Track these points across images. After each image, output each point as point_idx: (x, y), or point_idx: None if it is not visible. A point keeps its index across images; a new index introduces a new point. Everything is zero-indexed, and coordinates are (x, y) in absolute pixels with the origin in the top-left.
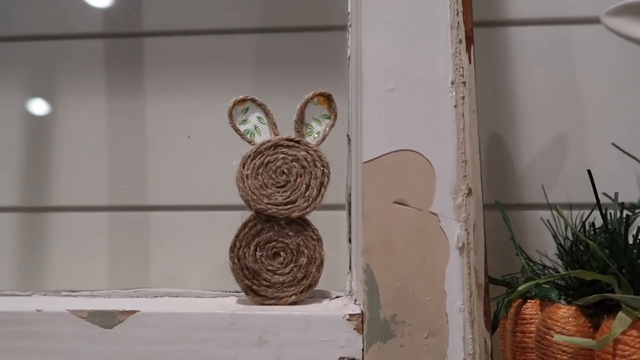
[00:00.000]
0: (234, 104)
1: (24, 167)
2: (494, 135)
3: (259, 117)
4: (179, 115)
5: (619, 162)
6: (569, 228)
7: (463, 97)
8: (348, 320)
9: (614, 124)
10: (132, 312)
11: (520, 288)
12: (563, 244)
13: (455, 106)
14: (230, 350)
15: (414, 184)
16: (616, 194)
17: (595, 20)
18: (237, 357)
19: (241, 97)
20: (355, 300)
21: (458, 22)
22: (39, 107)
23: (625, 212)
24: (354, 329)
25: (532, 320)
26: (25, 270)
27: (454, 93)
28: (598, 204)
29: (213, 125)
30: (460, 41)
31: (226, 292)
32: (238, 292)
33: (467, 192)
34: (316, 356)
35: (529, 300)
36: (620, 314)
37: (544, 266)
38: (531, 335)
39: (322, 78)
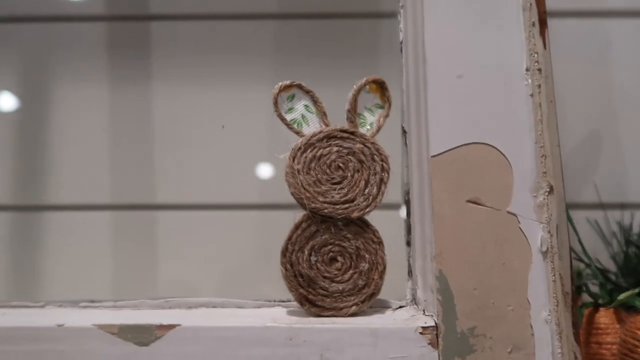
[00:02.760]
0: (280, 90)
1: (17, 162)
2: None
3: (306, 106)
4: (191, 107)
5: None
6: (619, 232)
7: (539, 86)
8: (421, 333)
9: None
10: (172, 326)
11: (621, 297)
12: (625, 248)
13: (532, 95)
14: None
15: (488, 180)
16: None
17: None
18: None
19: (287, 82)
20: (424, 311)
21: (530, 3)
22: (34, 95)
23: None
24: (429, 344)
25: (609, 331)
26: (20, 275)
27: (529, 81)
28: None
29: (229, 117)
30: (534, 24)
31: (271, 301)
32: (283, 301)
33: (548, 190)
34: None
35: (601, 309)
36: None
37: (603, 271)
38: (607, 346)
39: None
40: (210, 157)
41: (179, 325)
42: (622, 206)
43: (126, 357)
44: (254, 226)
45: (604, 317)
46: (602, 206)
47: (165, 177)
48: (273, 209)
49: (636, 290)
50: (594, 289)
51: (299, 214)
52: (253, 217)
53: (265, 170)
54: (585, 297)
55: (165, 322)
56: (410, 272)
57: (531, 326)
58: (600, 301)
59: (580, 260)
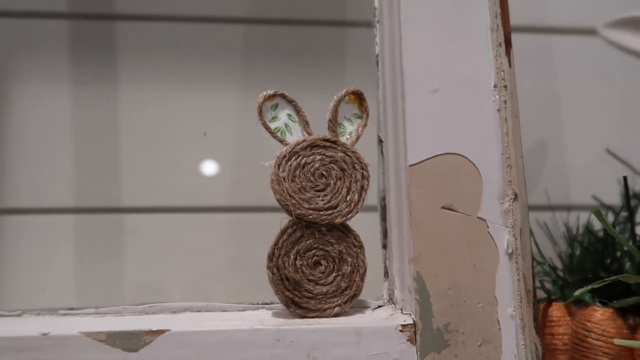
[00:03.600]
0: (264, 100)
1: None
2: None
3: (289, 115)
4: (158, 109)
5: (597, 165)
6: (565, 232)
7: (505, 101)
8: (401, 331)
9: (591, 129)
10: (161, 331)
11: (577, 293)
12: (571, 247)
13: (499, 110)
14: None
15: (461, 188)
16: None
17: (576, 31)
18: None
19: (271, 92)
20: (402, 310)
21: (497, 25)
22: None
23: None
24: (407, 340)
25: (561, 323)
26: None
27: (497, 97)
28: (629, 208)
29: (197, 120)
30: (500, 44)
31: (255, 304)
32: (266, 303)
33: (513, 197)
34: None
35: (554, 303)
36: None
37: (555, 268)
38: (560, 336)
39: (315, 73)
40: (177, 160)
41: (168, 330)
42: (569, 208)
43: None
44: (223, 229)
45: (557, 310)
46: (550, 208)
47: (131, 180)
48: (242, 212)
49: (589, 287)
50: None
51: (284, 220)
52: (222, 220)
53: (233, 173)
54: (540, 293)
55: (154, 328)
56: (386, 274)
57: (498, 321)
58: (552, 296)
59: (535, 259)
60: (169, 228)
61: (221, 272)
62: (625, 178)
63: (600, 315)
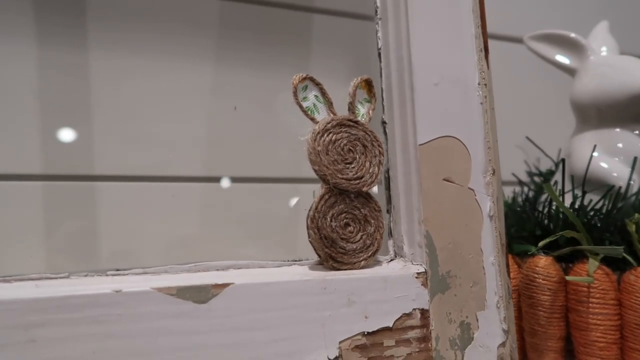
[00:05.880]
0: (299, 81)
1: None
2: None
3: (316, 96)
4: (131, 76)
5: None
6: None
7: (485, 97)
8: (416, 277)
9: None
10: (226, 284)
11: (541, 244)
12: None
13: (482, 103)
14: (325, 312)
15: (456, 164)
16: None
17: (507, 38)
18: (331, 318)
19: (302, 74)
20: (412, 262)
21: (479, 34)
22: None
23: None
24: (421, 285)
25: (511, 270)
26: None
27: (480, 92)
28: (563, 183)
29: (171, 89)
30: (481, 50)
31: (286, 260)
32: (295, 260)
33: (492, 172)
34: (395, 309)
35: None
36: (590, 259)
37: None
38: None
39: (288, 55)
40: (151, 129)
41: (232, 283)
42: (520, 183)
43: (185, 314)
44: (197, 198)
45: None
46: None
47: (104, 147)
48: (215, 181)
49: (547, 241)
50: None
51: (318, 188)
52: (196, 189)
53: (207, 144)
54: None
55: (219, 282)
56: (390, 234)
57: (483, 268)
58: None
59: None
60: (144, 196)
61: (196, 238)
62: (563, 160)
63: (544, 262)
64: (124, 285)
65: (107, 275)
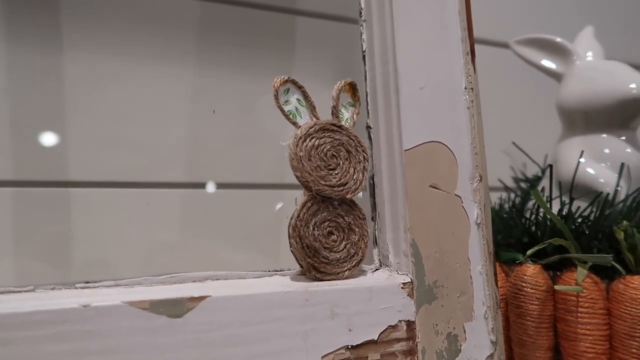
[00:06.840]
0: (280, 84)
1: None
2: None
3: (298, 99)
4: (107, 78)
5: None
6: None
7: (472, 101)
8: (402, 288)
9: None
10: (202, 297)
11: (529, 252)
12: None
13: (468, 108)
14: (307, 325)
15: (442, 170)
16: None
17: (494, 43)
18: (313, 331)
19: (284, 77)
20: (398, 271)
21: (465, 36)
22: None
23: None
24: (407, 295)
25: (498, 278)
26: None
27: (466, 97)
28: (550, 190)
29: (148, 92)
30: (468, 53)
31: (267, 271)
32: (277, 270)
33: (479, 178)
34: (380, 321)
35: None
36: (579, 267)
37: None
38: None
39: (271, 57)
40: (128, 133)
41: (209, 296)
42: (506, 189)
43: (158, 329)
44: (176, 204)
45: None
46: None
47: (79, 153)
48: (194, 187)
49: (536, 249)
50: None
51: (300, 195)
52: (175, 195)
53: (186, 148)
54: None
55: (195, 294)
56: (375, 242)
57: (471, 277)
58: None
59: None
60: (119, 203)
61: (174, 247)
62: (550, 167)
63: (532, 271)
64: (94, 299)
65: (75, 288)
